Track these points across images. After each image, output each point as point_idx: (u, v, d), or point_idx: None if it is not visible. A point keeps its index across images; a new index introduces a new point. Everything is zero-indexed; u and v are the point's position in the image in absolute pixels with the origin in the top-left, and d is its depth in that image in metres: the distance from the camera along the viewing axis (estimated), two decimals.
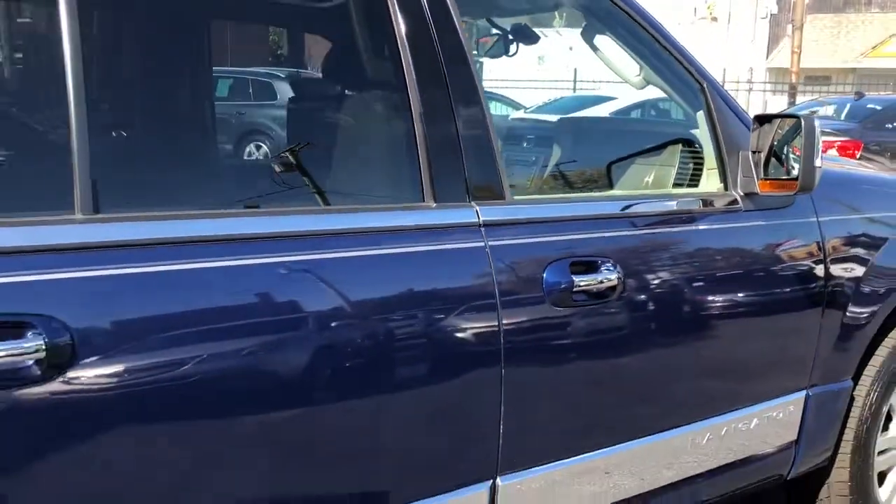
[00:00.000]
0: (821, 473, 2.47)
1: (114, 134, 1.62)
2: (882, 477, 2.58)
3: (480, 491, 1.61)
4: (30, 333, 1.13)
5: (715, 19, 32.65)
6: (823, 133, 7.79)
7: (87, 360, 1.17)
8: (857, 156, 8.45)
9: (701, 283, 1.95)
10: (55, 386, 1.14)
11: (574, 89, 17.12)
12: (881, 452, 2.55)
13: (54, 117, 1.28)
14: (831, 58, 28.86)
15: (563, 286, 1.66)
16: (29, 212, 1.22)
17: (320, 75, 2.06)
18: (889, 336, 2.47)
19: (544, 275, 1.65)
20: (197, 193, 1.54)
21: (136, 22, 1.70)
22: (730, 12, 30.27)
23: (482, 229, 1.59)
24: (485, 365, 1.58)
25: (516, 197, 1.73)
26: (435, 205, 1.56)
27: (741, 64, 29.06)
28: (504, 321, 1.58)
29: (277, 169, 1.66)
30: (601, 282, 1.72)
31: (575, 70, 17.78)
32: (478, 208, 1.60)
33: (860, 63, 27.82)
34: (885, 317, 2.36)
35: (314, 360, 1.37)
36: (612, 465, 1.84)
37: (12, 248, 1.15)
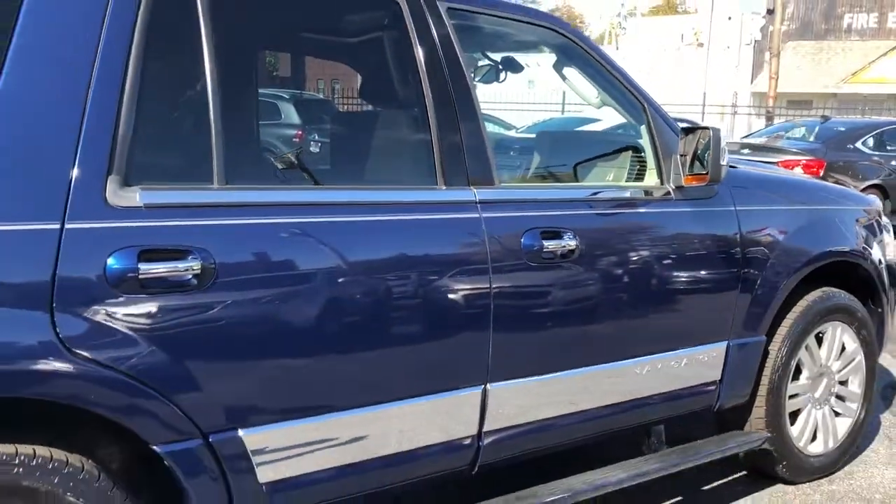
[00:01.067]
0: (743, 411, 3.12)
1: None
2: (794, 416, 3.23)
3: (477, 390, 2.25)
4: (190, 257, 1.77)
5: (701, 45, 33.63)
6: (791, 153, 8.48)
7: (223, 276, 1.81)
8: (821, 174, 9.17)
9: (641, 252, 2.60)
10: (203, 290, 1.78)
11: (563, 111, 17.86)
12: (792, 396, 3.20)
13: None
14: (813, 83, 29.76)
15: (535, 247, 2.31)
16: (182, 182, 1.87)
17: (362, 95, 2.73)
18: (797, 305, 3.13)
19: (522, 239, 2.29)
20: (292, 174, 2.21)
21: (234, 56, 2.36)
22: (710, 39, 31.10)
23: (478, 205, 2.24)
24: (479, 301, 2.22)
25: (502, 184, 2.38)
26: (445, 187, 2.21)
27: (727, 88, 29.98)
28: (493, 269, 2.23)
29: (345, 160, 2.33)
30: (563, 246, 2.37)
31: (563, 93, 18.54)
32: (474, 190, 2.25)
33: (840, 88, 28.71)
34: (791, 286, 3.02)
35: (366, 285, 2.02)
36: (574, 383, 2.48)
37: (180, 203, 1.80)
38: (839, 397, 3.39)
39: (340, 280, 1.99)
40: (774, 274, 2.96)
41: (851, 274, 3.37)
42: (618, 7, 36.63)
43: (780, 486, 3.26)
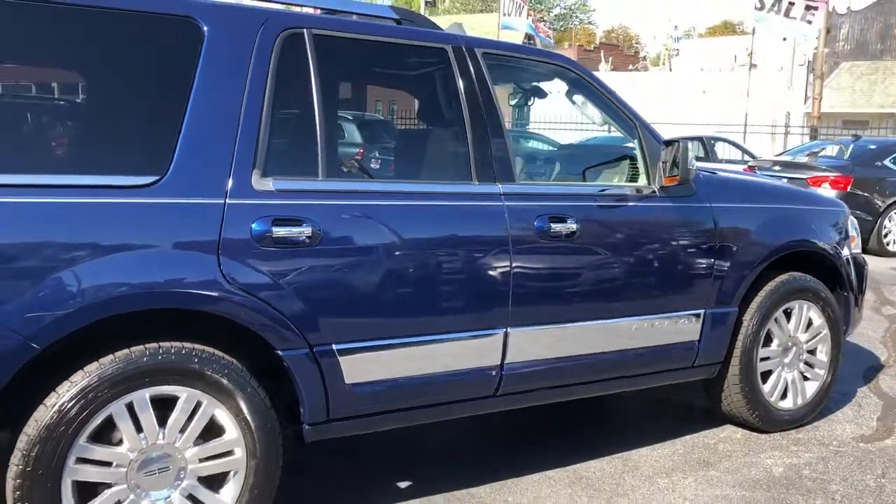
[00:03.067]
0: (722, 372, 3.86)
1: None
2: (766, 377, 3.96)
3: (500, 332, 3.08)
4: (304, 225, 2.65)
5: (754, 66, 33.86)
6: (820, 169, 9.14)
7: (324, 238, 2.68)
8: (848, 189, 9.73)
9: (629, 235, 3.40)
10: (312, 247, 2.66)
11: (609, 130, 18.56)
12: (763, 359, 3.93)
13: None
14: (869, 103, 29.76)
15: (545, 228, 3.14)
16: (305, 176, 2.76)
17: (418, 115, 3.61)
18: (766, 285, 3.88)
19: (535, 222, 3.13)
20: (369, 171, 3.10)
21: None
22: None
23: (502, 196, 3.08)
24: (502, 267, 3.05)
25: (521, 181, 3.22)
26: (478, 182, 3.06)
27: (780, 108, 30.15)
28: (512, 244, 3.06)
29: (406, 162, 3.21)
30: (567, 228, 3.19)
31: None
32: (500, 185, 3.10)
33: None
34: (759, 269, 3.77)
35: (420, 249, 2.87)
36: (578, 333, 3.29)
37: (297, 189, 2.68)
38: (808, 364, 4.11)
39: (403, 244, 2.85)
40: (743, 258, 3.72)
41: (819, 263, 4.10)
42: (673, 29, 36.89)
43: (755, 434, 3.99)
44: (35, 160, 2.43)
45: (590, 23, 75.17)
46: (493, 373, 3.12)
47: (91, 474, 2.41)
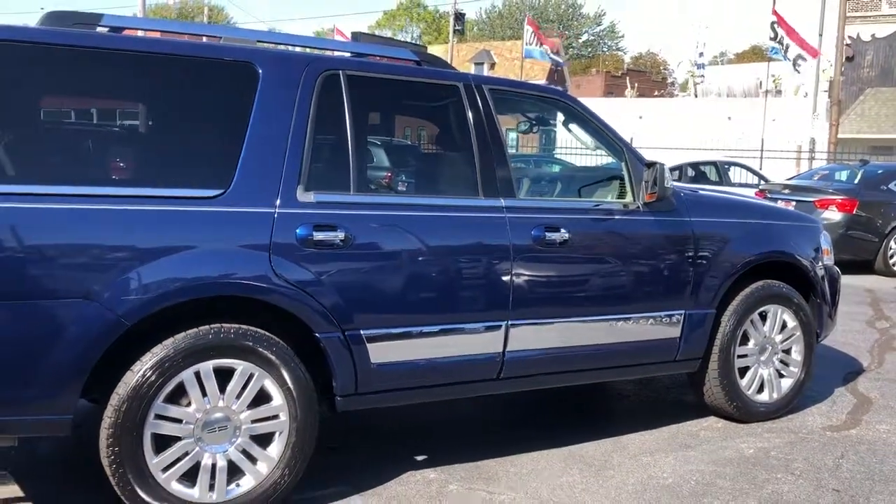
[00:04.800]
0: (703, 367, 4.37)
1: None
2: (743, 372, 4.46)
3: (502, 325, 3.63)
4: (338, 230, 3.24)
5: (780, 92, 34.18)
6: (828, 193, 9.64)
7: (355, 241, 3.27)
8: (854, 211, 10.15)
9: (615, 244, 3.95)
10: (345, 248, 3.24)
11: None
12: (741, 356, 4.44)
13: None
14: (894, 128, 29.87)
15: (541, 237, 3.69)
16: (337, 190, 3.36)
17: (434, 141, 4.20)
18: (742, 290, 4.39)
19: (532, 231, 3.69)
20: (392, 187, 3.70)
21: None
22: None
23: (504, 209, 3.65)
24: (504, 269, 3.61)
25: (521, 197, 3.79)
26: (483, 197, 3.64)
27: (805, 134, 30.41)
28: (513, 249, 3.62)
29: (423, 179, 3.81)
30: (560, 237, 3.74)
31: (631, 138, 19.78)
32: (502, 200, 3.67)
33: None
34: (734, 275, 4.28)
35: (435, 252, 3.43)
36: (569, 328, 3.82)
37: (333, 202, 3.27)
38: (783, 362, 4.60)
39: (420, 247, 3.43)
40: (720, 266, 4.24)
41: (793, 272, 4.60)
42: (698, 56, 37.38)
43: (734, 424, 4.49)
44: (130, 176, 3.06)
45: (618, 49, 76.03)
46: (496, 359, 3.67)
47: (166, 428, 3.00)
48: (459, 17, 43.89)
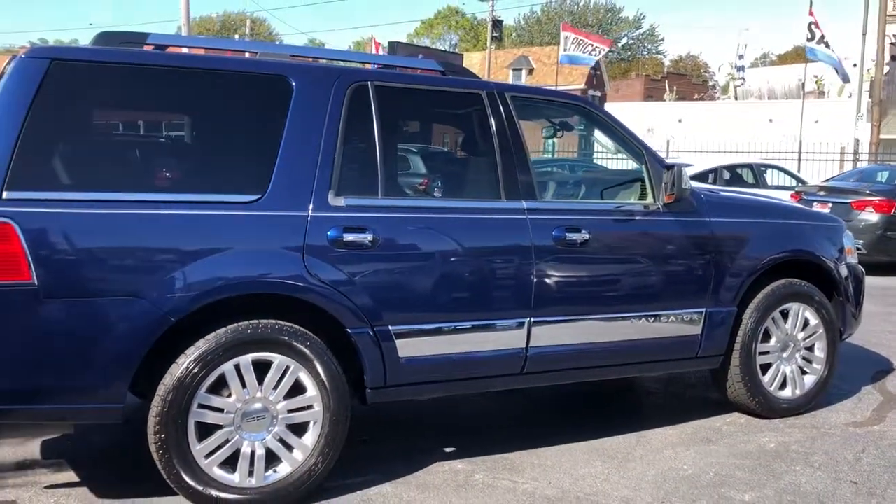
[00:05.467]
0: (725, 364, 4.47)
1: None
2: (765, 369, 4.55)
3: (525, 322, 3.80)
4: (367, 232, 3.44)
5: (822, 94, 33.69)
6: (864, 194, 9.63)
7: (382, 242, 3.47)
8: (892, 212, 10.08)
9: (635, 244, 4.09)
10: (373, 249, 3.45)
11: (667, 156, 19.02)
12: (762, 353, 4.53)
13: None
14: None
15: (561, 237, 3.85)
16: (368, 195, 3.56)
17: (461, 146, 4.39)
18: (764, 288, 4.49)
19: (553, 231, 3.85)
20: (419, 191, 3.90)
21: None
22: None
23: (525, 210, 3.82)
24: (526, 269, 3.77)
25: (542, 199, 3.96)
26: (505, 199, 3.81)
27: (849, 135, 29.91)
28: (535, 250, 3.79)
29: (449, 183, 4.01)
30: (581, 237, 3.90)
31: (667, 142, 19.73)
32: (524, 202, 3.84)
33: None
34: (755, 274, 4.38)
35: (460, 252, 3.61)
36: (590, 325, 3.97)
37: (362, 205, 3.48)
38: (806, 359, 4.68)
39: (444, 248, 3.61)
40: (740, 265, 4.35)
41: (815, 271, 4.68)
42: (738, 58, 37.01)
43: (756, 419, 4.58)
44: (175, 182, 3.30)
45: (658, 52, 75.52)
46: (519, 355, 3.83)
47: (208, 417, 3.22)
48: (497, 23, 44.07)
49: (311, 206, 3.38)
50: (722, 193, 4.72)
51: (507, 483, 3.67)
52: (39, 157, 3.04)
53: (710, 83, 66.96)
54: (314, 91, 3.52)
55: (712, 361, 4.44)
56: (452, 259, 3.64)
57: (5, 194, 2.92)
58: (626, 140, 4.27)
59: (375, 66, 3.94)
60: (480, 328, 3.72)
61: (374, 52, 23.56)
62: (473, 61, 48.44)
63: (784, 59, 65.79)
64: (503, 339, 3.78)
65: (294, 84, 3.49)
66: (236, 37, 54.81)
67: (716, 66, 60.99)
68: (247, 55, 3.80)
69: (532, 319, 3.82)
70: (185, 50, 3.97)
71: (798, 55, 67.22)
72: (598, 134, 4.38)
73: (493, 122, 3.88)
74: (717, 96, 50.03)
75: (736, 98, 36.76)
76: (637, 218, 4.14)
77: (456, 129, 4.36)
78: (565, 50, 22.03)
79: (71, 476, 3.66)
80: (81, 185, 3.10)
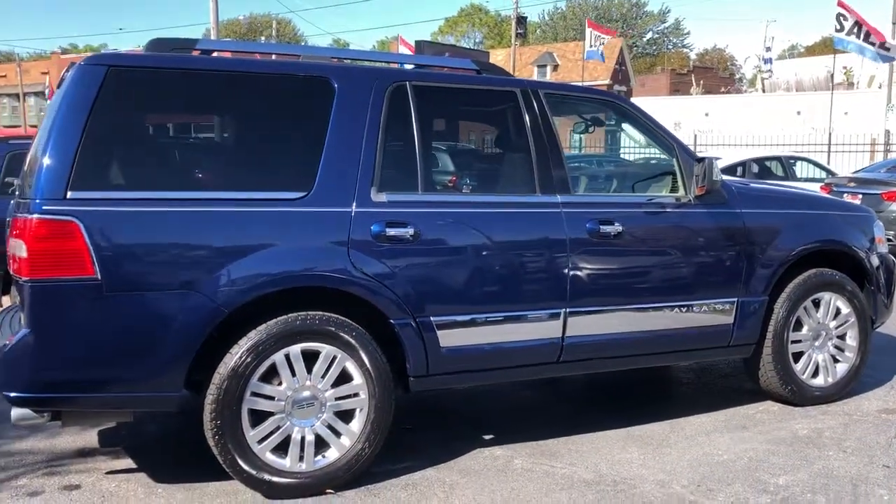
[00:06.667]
0: (757, 353, 4.55)
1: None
2: (797, 357, 4.62)
3: (561, 312, 3.91)
4: (408, 226, 3.58)
5: (851, 85, 33.27)
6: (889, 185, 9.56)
7: (423, 236, 3.60)
8: None
9: (667, 235, 4.18)
10: (414, 243, 3.57)
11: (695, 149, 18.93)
12: (794, 342, 4.60)
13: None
14: None
15: (595, 230, 3.96)
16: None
17: (495, 143, 4.51)
18: (795, 278, 4.56)
19: (587, 224, 3.96)
20: (465, 185, 4.03)
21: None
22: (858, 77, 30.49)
23: (560, 205, 3.93)
24: (561, 261, 3.89)
25: (576, 193, 4.07)
26: (540, 193, 3.93)
27: (879, 127, 29.50)
28: (569, 242, 3.90)
29: (484, 178, 4.13)
30: (614, 230, 4.00)
31: (695, 136, 19.67)
32: (558, 196, 3.95)
33: None
34: (786, 263, 4.45)
35: (496, 246, 3.73)
36: (624, 315, 4.07)
37: (403, 201, 3.62)
38: (838, 348, 4.74)
39: (482, 242, 3.74)
40: (771, 255, 4.43)
41: (846, 260, 4.74)
42: (765, 51, 36.67)
43: (789, 407, 4.65)
44: (225, 181, 3.45)
45: (683, 46, 74.92)
46: (556, 344, 3.95)
47: (260, 404, 3.38)
48: (521, 20, 44.05)
49: (354, 203, 3.52)
50: (752, 185, 4.80)
51: (546, 468, 3.79)
52: (99, 159, 3.22)
53: (737, 76, 66.35)
54: (355, 92, 3.66)
55: (744, 350, 4.52)
56: (490, 252, 3.76)
57: (69, 194, 3.10)
58: (657, 134, 4.37)
59: (414, 66, 4.07)
60: (518, 319, 3.84)
61: (399, 51, 23.75)
62: (498, 58, 48.42)
63: (812, 50, 64.95)
64: (540, 329, 3.89)
65: (336, 85, 3.63)
66: (262, 38, 55.36)
67: (742, 58, 60.43)
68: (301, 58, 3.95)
69: (568, 310, 3.93)
70: (229, 54, 4.12)
71: (826, 46, 66.25)
72: (629, 129, 4.47)
73: (527, 118, 3.99)
74: (745, 89, 49.56)
75: (763, 91, 36.43)
76: (669, 210, 4.24)
77: (491, 126, 4.47)
78: (591, 46, 22.04)
79: (129, 462, 3.85)
80: (138, 184, 3.28)
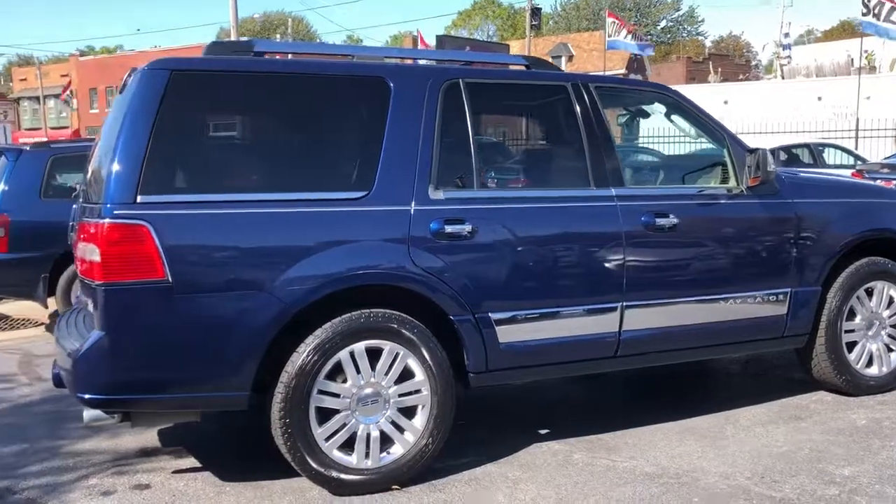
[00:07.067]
0: (810, 342, 4.53)
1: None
2: (851, 347, 4.60)
3: (618, 306, 3.91)
4: (466, 223, 3.59)
5: (874, 69, 32.87)
6: None
7: (480, 232, 3.61)
8: None
9: (722, 227, 4.17)
10: (471, 239, 3.59)
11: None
12: (847, 332, 4.58)
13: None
14: None
15: (650, 223, 3.96)
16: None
17: (546, 137, 4.50)
18: (847, 267, 4.53)
19: (642, 217, 3.95)
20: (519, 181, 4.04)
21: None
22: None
23: (615, 198, 3.93)
24: (617, 255, 3.89)
25: (630, 185, 4.06)
26: (594, 187, 3.93)
27: None
28: (625, 236, 3.90)
29: (538, 173, 4.14)
30: (669, 222, 3.99)
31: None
32: (613, 189, 3.95)
33: None
34: (838, 253, 4.43)
35: (553, 241, 3.75)
36: (680, 308, 4.06)
37: (461, 198, 3.63)
38: (892, 337, 4.71)
39: (539, 237, 3.75)
40: (823, 245, 4.41)
41: None
42: (783, 37, 36.31)
43: (843, 397, 4.63)
44: (290, 182, 3.47)
45: (698, 34, 74.35)
46: (613, 338, 3.95)
47: (327, 402, 3.41)
48: (535, 11, 43.82)
49: (413, 201, 3.54)
50: (802, 174, 4.77)
51: (606, 462, 3.80)
52: (167, 163, 3.25)
53: (753, 63, 65.75)
54: (410, 91, 3.68)
55: (798, 340, 4.50)
56: (546, 247, 3.77)
57: (139, 198, 3.14)
58: (707, 125, 4.35)
59: (465, 63, 4.08)
60: (575, 314, 3.84)
61: (417, 47, 23.74)
62: (512, 50, 48.23)
63: (830, 35, 64.21)
64: (597, 323, 3.90)
65: (392, 85, 3.64)
66: (277, 37, 55.47)
67: (758, 45, 59.86)
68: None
69: (624, 304, 3.93)
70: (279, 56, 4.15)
71: (844, 30, 65.48)
72: (678, 120, 4.46)
73: (579, 112, 3.99)
74: (761, 76, 49.08)
75: (783, 77, 36.06)
76: (722, 202, 4.23)
77: (543, 121, 4.48)
78: (611, 35, 21.93)
79: (192, 461, 3.90)
80: (205, 187, 3.31)
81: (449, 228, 3.56)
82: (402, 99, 3.65)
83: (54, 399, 4.95)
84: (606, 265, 3.89)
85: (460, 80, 3.79)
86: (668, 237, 4.02)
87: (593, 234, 3.88)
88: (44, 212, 6.95)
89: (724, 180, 4.36)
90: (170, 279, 3.14)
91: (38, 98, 53.15)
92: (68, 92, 45.54)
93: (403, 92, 3.66)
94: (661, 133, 11.87)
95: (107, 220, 3.10)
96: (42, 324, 7.77)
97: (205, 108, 3.45)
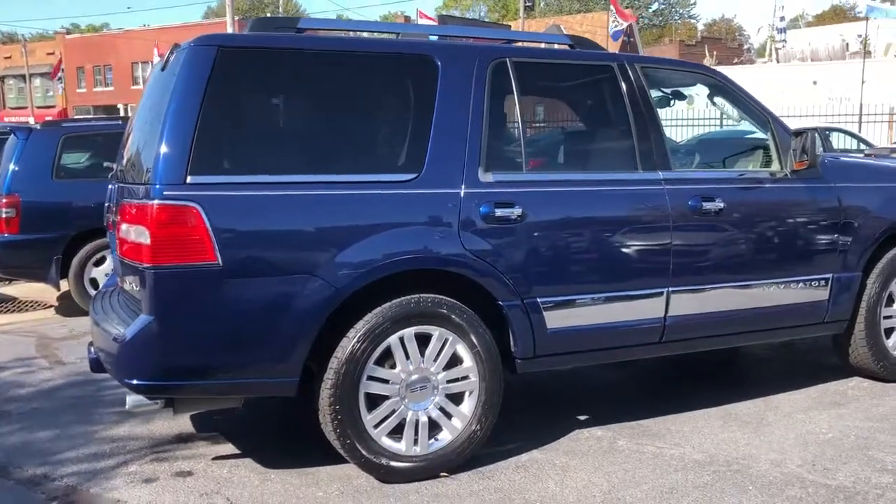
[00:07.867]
0: (849, 328, 4.50)
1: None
2: (889, 333, 4.57)
3: (664, 291, 3.85)
4: (515, 206, 3.51)
5: (869, 54, 32.84)
6: None
7: (529, 216, 3.52)
8: None
9: (767, 211, 4.11)
10: (520, 223, 3.51)
11: (721, 125, 18.79)
12: (886, 318, 4.55)
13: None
14: None
15: (697, 207, 3.89)
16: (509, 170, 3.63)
17: (594, 120, 4.40)
18: (886, 254, 4.49)
19: (689, 201, 3.88)
20: (566, 163, 3.97)
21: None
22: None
23: (662, 181, 3.86)
24: (664, 239, 3.82)
25: (677, 169, 3.99)
26: (642, 171, 3.85)
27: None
28: (672, 219, 3.83)
29: (586, 156, 4.06)
30: (716, 206, 3.93)
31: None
32: (660, 172, 3.88)
33: None
34: (879, 239, 4.39)
35: (600, 225, 3.67)
36: (726, 293, 4.00)
37: (510, 181, 3.54)
38: None
39: (587, 221, 3.68)
40: (865, 230, 4.36)
41: None
42: (779, 20, 36.21)
43: (880, 383, 4.61)
44: (338, 164, 3.37)
45: (690, 17, 74.16)
46: (658, 324, 3.89)
47: (376, 388, 3.34)
48: None
49: (463, 184, 3.45)
50: (843, 159, 4.71)
51: (652, 448, 3.76)
52: (216, 143, 3.14)
53: (745, 46, 65.65)
54: (458, 70, 3.58)
55: (838, 326, 4.46)
56: (595, 231, 3.70)
57: (189, 179, 3.03)
58: (751, 107, 4.28)
59: (509, 41, 3.98)
60: (621, 298, 3.78)
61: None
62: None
63: (822, 19, 64.17)
64: (643, 308, 3.84)
65: (440, 64, 3.54)
66: (268, 13, 54.78)
67: (751, 28, 59.70)
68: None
69: (671, 289, 3.87)
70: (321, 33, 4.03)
71: (836, 14, 65.46)
72: (721, 102, 4.38)
73: (625, 93, 3.91)
74: (755, 59, 48.95)
75: (777, 61, 36.00)
76: (767, 185, 4.16)
77: (589, 101, 4.40)
78: (612, 22, 21.79)
79: (231, 448, 3.82)
80: (255, 168, 3.20)
81: (499, 212, 3.48)
82: (451, 78, 3.55)
83: (79, 383, 4.87)
84: (653, 250, 3.82)
85: (507, 59, 3.69)
86: (714, 221, 3.96)
87: (641, 219, 3.81)
88: (56, 192, 6.82)
89: (767, 163, 4.29)
90: (220, 262, 3.05)
91: (23, 76, 52.36)
92: (60, 71, 44.81)
93: (451, 71, 3.56)
94: (671, 116, 11.81)
95: (156, 202, 3.00)
96: (51, 306, 7.66)
97: (253, 86, 3.33)
